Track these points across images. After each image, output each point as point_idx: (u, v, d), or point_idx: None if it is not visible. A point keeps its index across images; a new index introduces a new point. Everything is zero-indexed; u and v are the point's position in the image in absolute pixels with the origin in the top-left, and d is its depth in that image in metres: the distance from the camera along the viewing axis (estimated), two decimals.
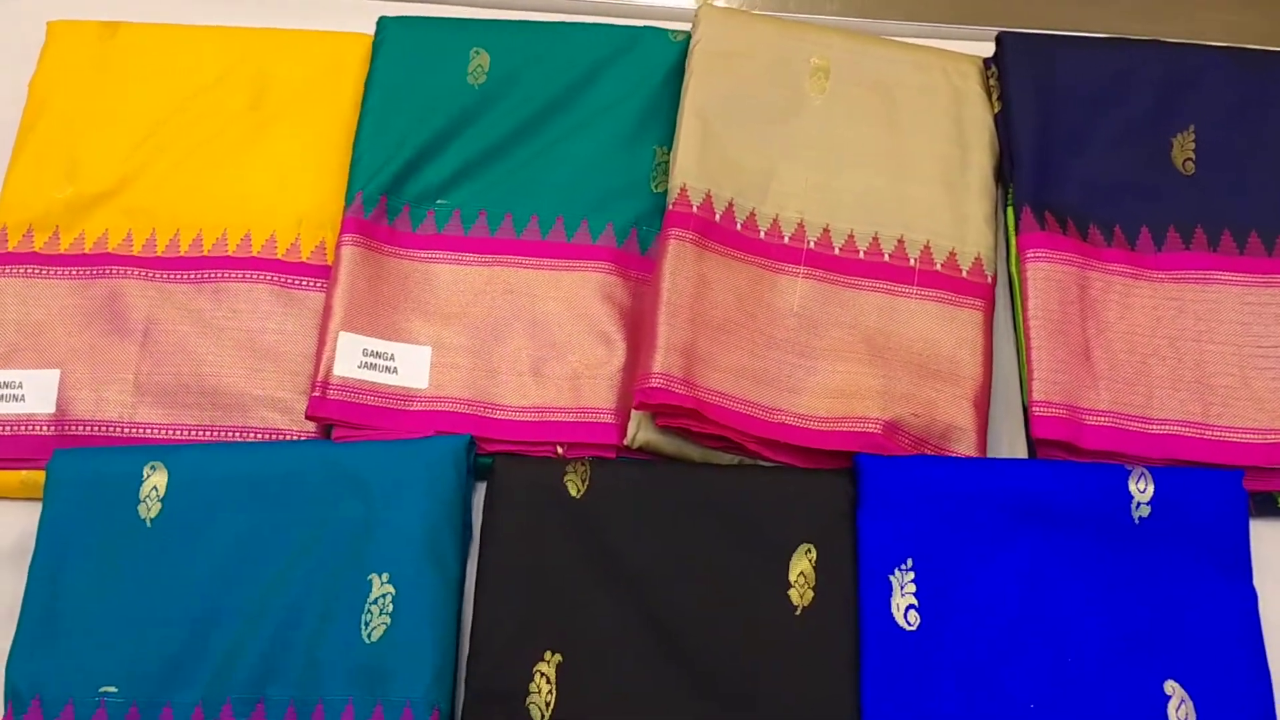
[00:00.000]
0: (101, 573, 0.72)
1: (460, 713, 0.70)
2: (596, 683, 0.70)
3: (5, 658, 0.70)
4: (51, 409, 0.79)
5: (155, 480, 0.74)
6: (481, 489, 0.78)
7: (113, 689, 0.69)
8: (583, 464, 0.76)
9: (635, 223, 0.86)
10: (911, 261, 0.83)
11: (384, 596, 0.70)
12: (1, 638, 0.72)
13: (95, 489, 0.74)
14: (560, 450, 0.78)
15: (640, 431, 0.77)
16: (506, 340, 0.81)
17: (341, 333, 0.78)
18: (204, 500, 0.74)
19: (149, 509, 0.73)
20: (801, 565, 0.73)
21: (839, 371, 0.79)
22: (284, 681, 0.69)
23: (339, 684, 0.69)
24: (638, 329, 0.82)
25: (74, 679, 0.69)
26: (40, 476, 0.77)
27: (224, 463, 0.75)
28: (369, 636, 0.69)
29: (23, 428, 0.79)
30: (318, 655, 0.70)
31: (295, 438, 0.79)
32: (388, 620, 0.70)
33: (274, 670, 0.69)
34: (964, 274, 0.83)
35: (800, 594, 0.72)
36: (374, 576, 0.71)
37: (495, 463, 0.77)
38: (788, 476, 0.76)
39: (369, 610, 0.70)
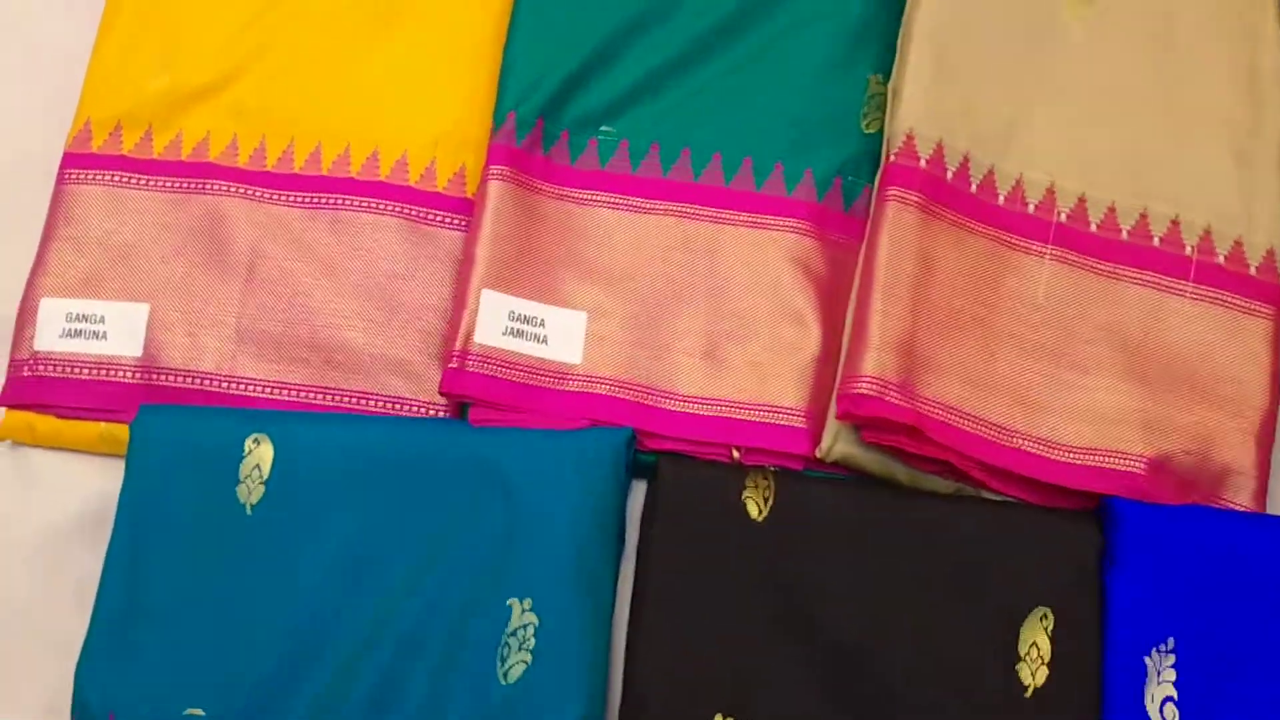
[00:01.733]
0: (190, 566, 0.60)
1: None
2: None
3: (75, 654, 0.60)
4: (138, 352, 0.67)
5: (259, 456, 0.62)
6: (638, 490, 0.65)
7: (199, 712, 0.58)
8: (765, 477, 0.62)
9: (840, 170, 0.70)
10: (1187, 249, 0.67)
11: (525, 628, 0.58)
12: (72, 622, 0.61)
13: (188, 461, 0.62)
14: (737, 455, 0.65)
15: (839, 443, 0.63)
16: (678, 310, 0.67)
17: (485, 290, 0.64)
18: (315, 485, 0.62)
19: (250, 491, 0.61)
20: (1035, 635, 0.59)
21: (1095, 388, 0.64)
22: (400, 719, 0.58)
23: None
24: (837, 308, 0.67)
25: (154, 696, 0.58)
26: (123, 431, 0.65)
27: (340, 440, 0.63)
28: (505, 676, 0.57)
29: (104, 372, 0.67)
30: (443, 691, 0.58)
31: (422, 411, 0.66)
32: (528, 658, 0.58)
33: (389, 704, 0.58)
34: (1252, 271, 0.66)
35: (1032, 671, 0.58)
36: (514, 602, 0.59)
37: (660, 465, 0.64)
38: (1023, 517, 0.62)
39: (506, 643, 0.58)
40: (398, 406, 0.66)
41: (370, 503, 0.61)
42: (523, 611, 0.58)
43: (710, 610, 0.60)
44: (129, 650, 0.59)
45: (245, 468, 0.62)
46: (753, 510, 0.62)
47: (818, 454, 0.63)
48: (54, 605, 0.64)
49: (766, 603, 0.60)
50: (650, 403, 0.65)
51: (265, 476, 0.62)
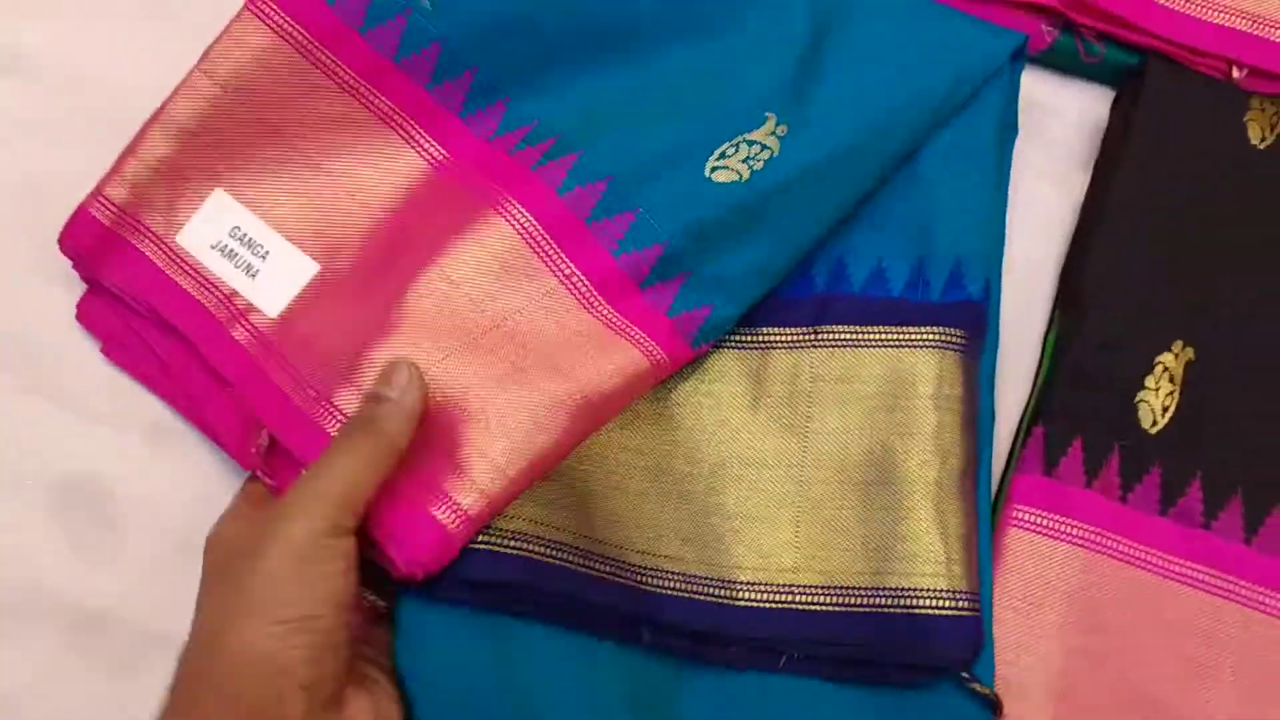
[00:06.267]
0: None
1: (1041, 398, 0.52)
2: (1236, 395, 0.51)
3: None
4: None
5: None
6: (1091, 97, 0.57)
7: (426, 4, 0.50)
8: (1273, 103, 0.54)
9: None
10: None
11: (763, 147, 0.50)
12: None
13: None
14: (1237, 75, 0.55)
15: None
16: None
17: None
18: None
19: None
20: None
21: None
22: (600, 145, 0.50)
23: (641, 185, 0.49)
24: None
25: None
26: None
27: None
28: (711, 171, 0.50)
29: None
30: (649, 137, 0.51)
31: None
32: (745, 174, 0.49)
33: (594, 120, 0.51)
34: None
35: None
36: (771, 116, 0.51)
37: (1149, 64, 0.54)
38: None
39: (737, 145, 0.50)
40: None
41: None
42: (771, 131, 0.50)
43: (1188, 232, 0.52)
44: None
45: None
46: (1254, 134, 0.53)
47: None
48: None
49: (1252, 234, 0.52)
50: None
51: None
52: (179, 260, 0.49)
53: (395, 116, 0.50)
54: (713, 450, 0.50)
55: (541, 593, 0.46)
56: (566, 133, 0.50)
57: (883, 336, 0.51)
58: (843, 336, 0.51)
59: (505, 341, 0.47)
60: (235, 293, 0.48)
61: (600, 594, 0.47)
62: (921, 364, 0.50)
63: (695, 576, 0.48)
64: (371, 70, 0.50)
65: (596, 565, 0.48)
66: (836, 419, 0.50)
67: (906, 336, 0.50)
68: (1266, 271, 0.52)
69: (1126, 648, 0.48)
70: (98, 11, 0.56)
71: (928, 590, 0.46)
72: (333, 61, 0.49)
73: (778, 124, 0.50)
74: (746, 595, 0.47)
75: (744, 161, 0.49)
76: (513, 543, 0.46)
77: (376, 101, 0.50)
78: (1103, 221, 0.53)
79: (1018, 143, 0.56)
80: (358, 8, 0.49)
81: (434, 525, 0.43)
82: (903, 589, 0.46)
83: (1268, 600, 0.49)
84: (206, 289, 0.48)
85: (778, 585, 0.47)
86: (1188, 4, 0.55)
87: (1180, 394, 0.51)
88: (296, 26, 0.49)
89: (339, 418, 0.45)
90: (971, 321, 0.50)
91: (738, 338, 0.51)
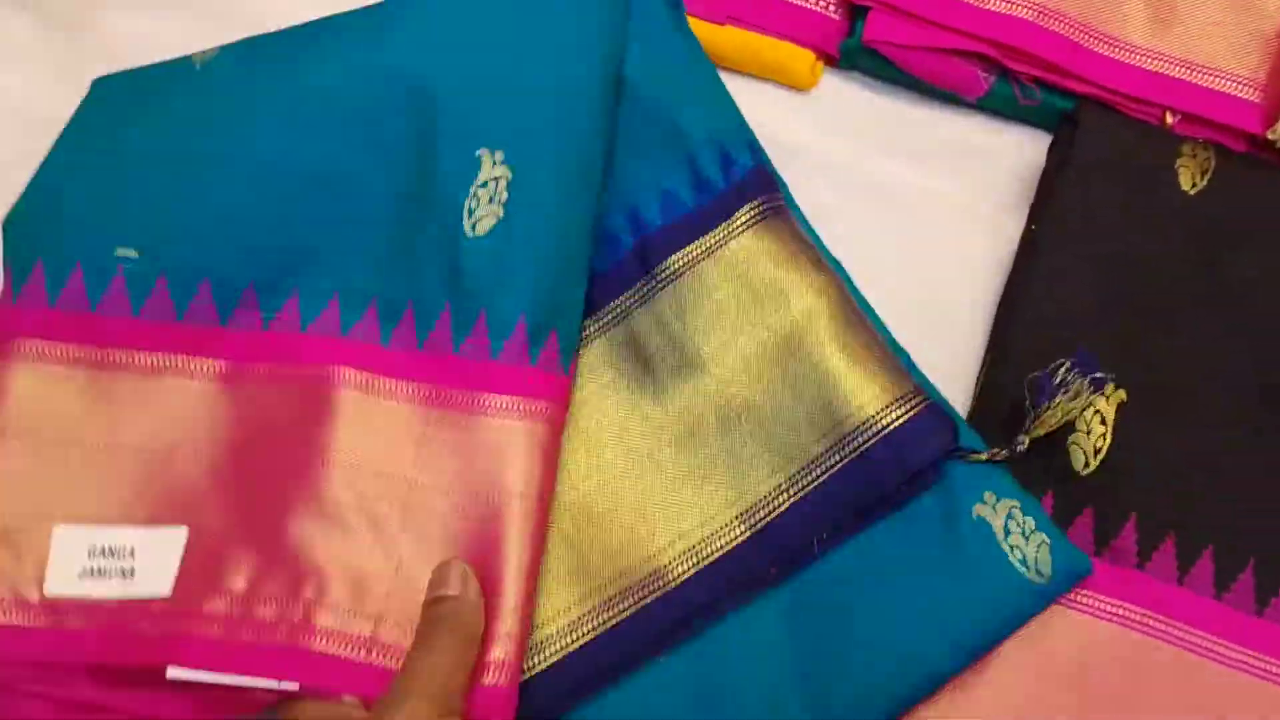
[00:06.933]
0: (140, 124, 0.53)
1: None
2: (1167, 437, 0.51)
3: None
4: None
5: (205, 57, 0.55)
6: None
7: (132, 253, 0.51)
8: (1204, 148, 0.54)
9: None
10: None
11: (497, 181, 0.50)
12: None
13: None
14: (1170, 120, 0.56)
15: None
16: None
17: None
18: (267, 49, 0.55)
19: (201, 59, 0.55)
20: None
21: None
22: (362, 273, 0.50)
23: (432, 284, 0.50)
24: None
25: (86, 240, 0.51)
26: None
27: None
28: (474, 229, 0.49)
29: None
30: (408, 247, 0.51)
31: None
32: (500, 212, 0.49)
33: (349, 259, 0.51)
34: None
35: None
36: (484, 152, 0.50)
37: (1082, 110, 0.55)
38: None
39: (476, 195, 0.50)
40: None
41: (320, 45, 0.54)
42: (494, 164, 0.50)
43: (1117, 272, 0.53)
44: (68, 199, 0.52)
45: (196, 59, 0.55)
46: (1184, 180, 0.54)
47: (1269, 133, 0.55)
48: None
49: (1182, 278, 0.53)
50: (1081, 40, 0.56)
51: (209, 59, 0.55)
52: (56, 609, 0.45)
53: (166, 361, 0.50)
54: (638, 434, 0.50)
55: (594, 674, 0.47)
56: (313, 282, 0.50)
57: (709, 244, 0.52)
58: (677, 265, 0.52)
59: (433, 496, 0.47)
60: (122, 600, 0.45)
61: (641, 625, 0.47)
62: (755, 243, 0.51)
63: (703, 541, 0.48)
64: (128, 334, 0.50)
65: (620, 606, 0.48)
66: (718, 336, 0.50)
67: (728, 232, 0.51)
68: (1196, 317, 0.53)
69: (1064, 689, 0.49)
70: None
71: (880, 411, 0.47)
72: (91, 349, 0.49)
73: (493, 154, 0.50)
74: (759, 517, 0.48)
75: (490, 203, 0.49)
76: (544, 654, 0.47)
77: (141, 359, 0.50)
78: (1036, 265, 0.53)
79: (956, 187, 0.58)
80: (78, 290, 0.50)
81: (489, 692, 0.44)
82: (861, 425, 0.47)
83: (1199, 642, 0.49)
84: (98, 614, 0.45)
85: (768, 495, 0.48)
86: (1121, 51, 0.56)
87: (1112, 436, 0.51)
88: (54, 344, 0.49)
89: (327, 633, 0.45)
90: (763, 183, 0.52)
91: (596, 325, 0.52)
